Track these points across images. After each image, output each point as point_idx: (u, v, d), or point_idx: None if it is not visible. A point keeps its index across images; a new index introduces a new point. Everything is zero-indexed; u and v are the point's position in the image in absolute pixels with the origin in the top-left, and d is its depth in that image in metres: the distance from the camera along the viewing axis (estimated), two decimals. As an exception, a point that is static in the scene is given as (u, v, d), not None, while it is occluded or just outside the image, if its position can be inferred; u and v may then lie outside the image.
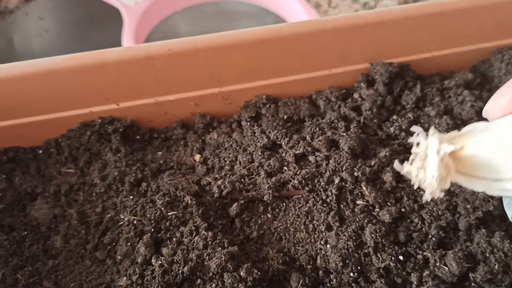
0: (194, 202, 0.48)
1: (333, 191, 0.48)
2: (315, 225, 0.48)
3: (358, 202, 0.48)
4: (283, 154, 0.53)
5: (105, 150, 0.54)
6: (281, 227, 0.48)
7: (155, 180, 0.51)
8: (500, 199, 0.46)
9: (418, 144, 0.34)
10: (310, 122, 0.55)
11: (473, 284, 0.44)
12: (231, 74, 0.54)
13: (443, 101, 0.57)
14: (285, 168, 0.51)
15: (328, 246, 0.46)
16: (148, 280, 0.43)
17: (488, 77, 0.61)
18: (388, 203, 0.48)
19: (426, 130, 0.34)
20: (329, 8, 1.15)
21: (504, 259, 0.43)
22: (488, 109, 0.33)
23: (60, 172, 0.53)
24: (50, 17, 1.03)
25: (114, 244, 0.47)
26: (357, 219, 0.47)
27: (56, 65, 0.49)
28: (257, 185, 0.50)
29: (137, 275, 0.43)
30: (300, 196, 0.49)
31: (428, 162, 0.33)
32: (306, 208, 0.49)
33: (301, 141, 0.53)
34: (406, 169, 0.34)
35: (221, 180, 0.50)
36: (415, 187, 0.34)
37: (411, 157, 0.35)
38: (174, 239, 0.46)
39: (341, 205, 0.48)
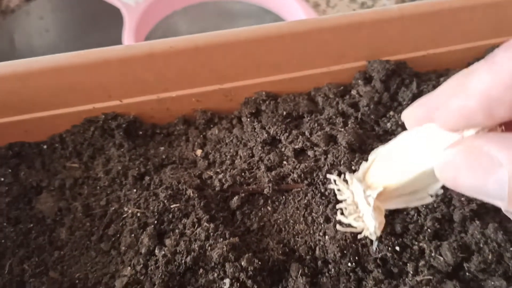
0: (196, 195, 0.49)
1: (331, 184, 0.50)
2: (314, 217, 0.49)
3: (356, 195, 0.50)
4: (283, 149, 0.54)
5: (109, 145, 0.55)
6: (280, 219, 0.50)
7: (158, 174, 0.52)
8: None
9: (339, 191, 0.36)
10: (309, 118, 0.57)
11: (467, 273, 0.45)
12: (231, 71, 0.56)
13: (439, 97, 0.58)
14: (284, 162, 0.53)
15: (326, 237, 0.47)
16: (151, 269, 0.44)
17: (483, 75, 0.62)
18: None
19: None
20: (327, 7, 1.16)
21: (498, 249, 0.45)
22: (404, 117, 0.33)
23: (65, 166, 0.54)
24: (51, 16, 1.04)
25: (118, 235, 0.48)
26: (355, 212, 0.48)
27: (60, 62, 0.50)
28: (257, 179, 0.51)
29: (141, 265, 0.44)
30: (299, 189, 0.51)
31: (361, 211, 0.35)
32: (305, 201, 0.50)
33: (300, 136, 0.54)
34: (344, 220, 0.36)
35: (222, 174, 0.52)
36: (361, 236, 0.36)
37: (340, 206, 0.36)
38: (177, 230, 0.47)
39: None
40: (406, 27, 0.57)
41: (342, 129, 0.54)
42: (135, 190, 0.50)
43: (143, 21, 0.94)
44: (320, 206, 0.49)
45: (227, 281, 0.44)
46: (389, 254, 0.46)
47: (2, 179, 0.53)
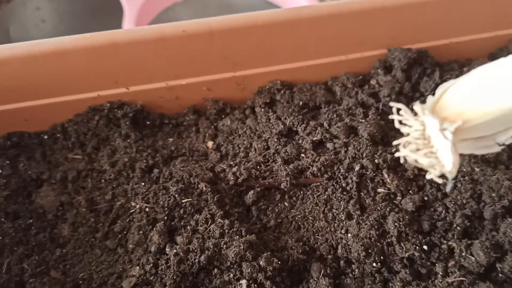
0: (209, 189, 0.46)
1: (354, 178, 0.47)
2: (335, 214, 0.46)
3: (379, 190, 0.47)
4: (300, 141, 0.51)
5: (114, 136, 0.52)
6: (299, 216, 0.46)
7: (167, 167, 0.49)
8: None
9: (404, 123, 0.31)
10: (326, 108, 0.54)
11: (500, 274, 0.42)
12: (245, 58, 0.52)
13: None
14: (302, 155, 0.49)
15: (349, 235, 0.44)
16: (162, 269, 0.41)
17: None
18: (410, 191, 0.46)
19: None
20: (332, 1, 1.14)
21: (533, 249, 0.42)
22: None
23: (67, 158, 0.51)
24: (48, 7, 1.01)
25: (125, 232, 0.45)
26: (379, 208, 0.45)
27: (65, 46, 0.47)
28: (273, 172, 0.48)
29: (151, 265, 0.41)
30: (318, 184, 0.47)
31: (435, 146, 0.30)
32: (325, 196, 0.47)
33: (319, 128, 0.51)
34: (411, 155, 0.31)
35: (236, 167, 0.48)
36: (433, 176, 0.31)
37: (405, 140, 0.31)
38: (189, 227, 0.44)
39: (362, 193, 0.47)
40: (430, 13, 0.54)
41: (363, 120, 0.51)
42: (143, 184, 0.47)
43: (144, 13, 0.90)
44: (341, 202, 0.46)
45: (243, 282, 0.40)
46: (416, 254, 0.42)
47: (0, 171, 0.49)
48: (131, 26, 0.84)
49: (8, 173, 0.49)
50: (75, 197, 0.48)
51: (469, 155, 0.49)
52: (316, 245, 0.44)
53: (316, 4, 0.51)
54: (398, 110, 0.31)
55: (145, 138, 0.52)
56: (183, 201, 0.45)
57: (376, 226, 0.44)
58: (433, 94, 0.31)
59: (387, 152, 0.48)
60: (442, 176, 0.30)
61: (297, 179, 0.47)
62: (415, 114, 0.31)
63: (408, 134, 0.31)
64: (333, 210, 0.46)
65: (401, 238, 0.43)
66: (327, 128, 0.51)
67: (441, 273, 0.42)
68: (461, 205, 0.45)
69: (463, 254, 0.42)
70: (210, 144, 0.52)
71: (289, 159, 0.49)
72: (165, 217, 0.44)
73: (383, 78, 0.55)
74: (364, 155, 0.48)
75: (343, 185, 0.47)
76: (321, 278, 0.42)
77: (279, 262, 0.41)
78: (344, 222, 0.45)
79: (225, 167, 0.49)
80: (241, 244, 0.41)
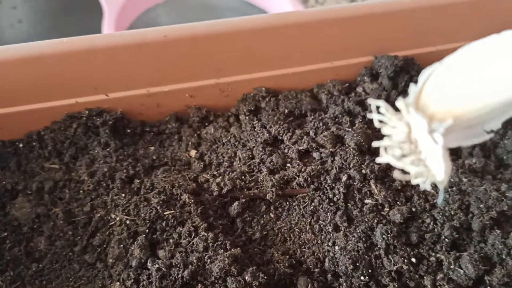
0: (192, 200, 0.44)
1: (341, 189, 0.46)
2: (322, 226, 0.45)
3: (367, 201, 0.46)
4: (286, 150, 0.50)
5: (93, 144, 0.50)
6: (285, 228, 0.45)
7: (149, 177, 0.47)
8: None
9: (382, 123, 0.27)
10: (312, 116, 0.53)
11: (488, 287, 0.41)
12: (230, 64, 0.51)
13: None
14: (288, 164, 0.48)
15: (336, 247, 0.43)
16: (144, 285, 0.39)
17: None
18: (398, 202, 0.46)
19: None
20: (316, 3, 1.13)
21: (521, 261, 0.41)
22: None
23: (43, 167, 0.49)
24: (24, 6, 0.99)
25: (104, 246, 0.43)
26: (366, 219, 0.44)
27: (41, 50, 0.45)
28: (259, 183, 0.47)
29: (132, 280, 0.40)
30: (304, 194, 0.46)
31: (423, 151, 0.26)
32: (312, 208, 0.46)
33: (305, 137, 0.50)
34: (395, 163, 0.27)
35: (220, 177, 0.47)
36: (423, 186, 0.27)
37: (387, 143, 0.27)
38: (171, 240, 0.42)
39: (349, 204, 0.46)
40: (417, 20, 0.53)
41: (350, 129, 0.50)
42: (123, 195, 0.45)
43: (124, 13, 0.88)
44: (328, 213, 0.45)
45: (229, 297, 0.39)
46: (405, 267, 0.42)
47: (-28, 181, 0.47)
48: (111, 27, 0.81)
49: (-19, 184, 0.47)
50: (51, 208, 0.46)
51: (456, 166, 0.49)
52: (302, 258, 0.43)
53: (302, 10, 0.50)
54: (378, 108, 0.27)
55: (125, 146, 0.50)
56: (165, 213, 0.43)
57: (363, 239, 0.43)
58: (416, 82, 0.27)
59: (375, 162, 0.47)
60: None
61: (283, 189, 0.46)
62: (398, 111, 0.27)
63: (390, 136, 0.27)
64: (320, 221, 0.45)
65: (389, 250, 0.42)
66: (313, 137, 0.50)
67: (429, 286, 0.41)
68: (449, 216, 0.45)
69: (452, 266, 0.42)
70: (193, 153, 0.51)
71: (275, 169, 0.48)
72: (147, 230, 0.42)
73: (369, 85, 0.54)
74: (351, 165, 0.47)
75: (330, 196, 0.46)
76: (308, 292, 0.41)
77: (265, 277, 0.40)
78: (331, 234, 0.44)
79: (208, 177, 0.47)
80: (226, 259, 0.40)
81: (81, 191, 0.47)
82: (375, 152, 0.49)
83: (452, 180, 0.47)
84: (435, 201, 0.45)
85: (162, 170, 0.48)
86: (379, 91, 0.53)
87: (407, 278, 0.42)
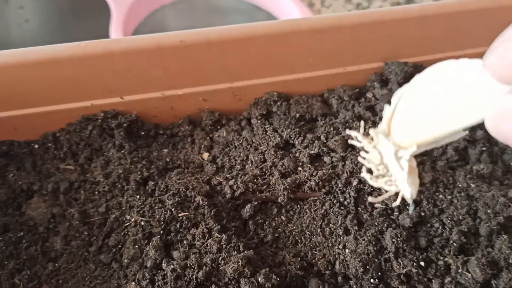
0: (206, 203, 0.45)
1: (351, 193, 0.46)
2: (332, 229, 0.46)
3: (377, 205, 0.46)
4: (297, 154, 0.50)
5: (108, 146, 0.50)
6: (296, 230, 0.46)
7: (163, 179, 0.48)
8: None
9: (364, 150, 0.31)
10: (323, 121, 0.53)
11: (496, 291, 0.42)
12: (243, 68, 0.52)
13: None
14: (299, 168, 0.49)
15: (347, 250, 0.44)
16: (159, 285, 0.40)
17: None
18: (407, 207, 0.46)
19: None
20: (322, 7, 1.14)
21: (528, 266, 0.42)
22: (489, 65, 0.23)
23: (59, 168, 0.49)
24: (31, 6, 0.99)
25: (120, 246, 0.44)
26: (376, 223, 0.45)
27: (58, 54, 0.46)
28: (270, 186, 0.48)
29: (147, 280, 0.40)
30: (316, 198, 0.47)
31: (393, 174, 0.30)
32: (322, 211, 0.46)
33: (316, 141, 0.51)
34: (374, 184, 0.31)
35: (233, 180, 0.48)
36: (395, 204, 0.32)
37: (367, 166, 0.32)
38: (185, 241, 0.43)
39: (359, 208, 0.46)
40: (426, 27, 0.54)
41: (360, 134, 0.51)
42: (138, 196, 0.46)
43: (132, 14, 0.89)
44: (339, 217, 0.46)
45: (241, 298, 0.40)
46: (413, 270, 0.42)
47: (-12, 181, 0.48)
48: (119, 28, 0.82)
49: (-3, 184, 0.48)
50: (67, 209, 0.46)
51: (464, 171, 0.50)
52: (313, 260, 0.44)
53: (315, 17, 0.50)
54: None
55: (139, 149, 0.51)
56: (179, 215, 0.44)
57: (373, 242, 0.44)
58: (390, 103, 0.30)
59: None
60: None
61: (294, 193, 0.47)
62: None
63: (368, 160, 0.31)
64: (331, 225, 0.46)
65: (398, 254, 0.43)
66: (324, 141, 0.51)
67: (438, 290, 0.42)
68: (458, 221, 0.45)
69: (460, 270, 0.43)
70: (205, 155, 0.51)
71: (286, 173, 0.49)
72: (161, 231, 0.43)
73: (379, 91, 0.55)
74: (362, 169, 0.48)
75: (341, 199, 0.47)
76: (319, 294, 0.41)
77: (278, 279, 0.40)
78: (341, 237, 0.45)
79: (221, 180, 0.48)
80: (239, 260, 0.40)
81: (96, 192, 0.47)
82: (385, 157, 0.50)
83: (460, 185, 0.48)
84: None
85: (175, 172, 0.49)
86: (389, 96, 0.54)
87: (415, 281, 0.43)
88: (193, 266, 0.40)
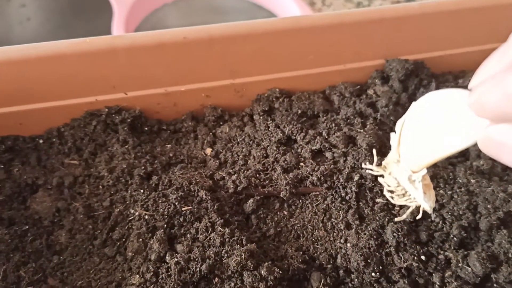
0: (209, 197, 0.45)
1: (353, 188, 0.47)
2: (334, 223, 0.46)
3: (378, 200, 0.47)
4: (299, 150, 0.51)
5: (112, 141, 0.51)
6: (298, 225, 0.47)
7: (166, 174, 0.49)
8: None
9: (382, 176, 0.37)
10: (325, 117, 0.54)
11: (495, 285, 0.43)
12: (245, 65, 0.52)
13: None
14: (301, 164, 0.50)
15: (348, 245, 0.44)
16: (163, 278, 0.40)
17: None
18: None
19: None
20: (323, 6, 1.14)
21: (527, 260, 0.43)
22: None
23: (63, 163, 0.50)
24: (33, 4, 1.00)
25: (124, 240, 0.44)
26: (377, 218, 0.46)
27: (63, 50, 0.46)
28: (273, 181, 0.48)
29: (151, 273, 0.41)
30: (317, 193, 0.48)
31: (411, 194, 0.35)
32: (324, 206, 0.47)
33: (318, 137, 0.51)
34: (397, 202, 0.37)
35: (235, 175, 0.48)
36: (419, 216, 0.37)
37: (388, 189, 0.37)
38: (189, 235, 0.44)
39: (360, 203, 0.47)
40: (426, 25, 0.55)
41: (361, 130, 0.51)
42: (142, 191, 0.47)
43: (133, 13, 0.89)
44: (340, 212, 0.46)
45: (244, 291, 0.40)
46: (414, 264, 0.43)
47: (-6, 175, 0.48)
48: (121, 26, 0.83)
49: (2, 178, 0.48)
50: (71, 203, 0.47)
51: (464, 167, 0.50)
52: (315, 254, 0.45)
53: (316, 14, 0.51)
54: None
55: (143, 144, 0.52)
56: (183, 209, 0.44)
57: (375, 236, 0.44)
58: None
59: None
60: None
61: (296, 188, 0.48)
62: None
63: (388, 185, 0.37)
64: (332, 219, 0.46)
65: (399, 248, 0.44)
66: (326, 137, 0.51)
67: (438, 283, 0.43)
68: (458, 216, 0.46)
69: (460, 264, 0.43)
70: (208, 151, 0.52)
71: (289, 168, 0.49)
72: (165, 225, 0.44)
73: (380, 88, 0.55)
74: (363, 165, 0.48)
75: (342, 194, 0.47)
76: (321, 287, 0.42)
77: (280, 272, 0.41)
78: (343, 232, 0.45)
79: (224, 175, 0.49)
80: (243, 253, 0.41)
81: (100, 187, 0.48)
82: (386, 153, 0.51)
83: (460, 181, 0.49)
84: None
85: (179, 167, 0.49)
86: (390, 93, 0.55)
87: (416, 275, 0.43)
88: (196, 259, 0.41)
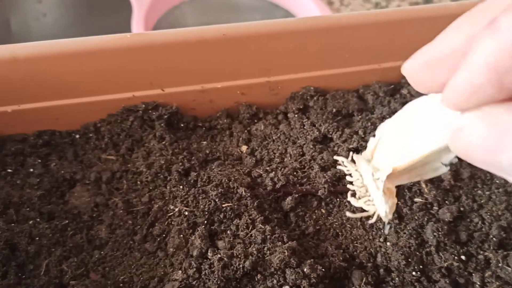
0: (248, 194, 0.45)
1: (392, 187, 0.47)
2: (372, 222, 0.46)
3: (416, 199, 0.47)
4: (335, 148, 0.51)
5: (148, 137, 0.51)
6: (336, 223, 0.47)
7: (204, 170, 0.49)
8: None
9: (350, 174, 0.35)
10: (359, 116, 0.54)
11: (535, 286, 0.43)
12: (281, 63, 0.52)
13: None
14: (338, 162, 0.50)
15: (388, 243, 0.44)
16: (206, 274, 0.40)
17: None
18: (446, 202, 0.47)
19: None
20: (341, 6, 1.14)
21: None
22: (404, 70, 0.28)
23: (100, 158, 0.50)
24: (49, 0, 1.00)
25: (164, 235, 0.44)
26: (416, 217, 0.46)
27: (106, 45, 0.46)
28: (310, 179, 0.48)
29: (194, 269, 0.41)
30: (355, 191, 0.48)
31: (371, 195, 0.33)
32: (362, 204, 0.47)
33: (354, 135, 0.51)
34: (355, 204, 0.34)
35: (273, 172, 0.48)
36: (372, 221, 0.34)
37: (351, 189, 0.35)
38: (229, 232, 0.44)
39: (399, 202, 0.47)
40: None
41: (398, 130, 0.51)
42: (181, 187, 0.47)
43: (152, 11, 0.90)
44: (379, 210, 0.46)
45: (286, 288, 0.40)
46: (455, 264, 0.43)
47: (32, 169, 0.48)
48: (141, 23, 0.83)
49: (40, 172, 0.48)
50: (110, 198, 0.47)
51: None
52: (355, 252, 0.45)
53: (355, 13, 0.51)
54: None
55: (179, 140, 0.52)
56: (223, 205, 0.44)
57: (414, 236, 0.44)
58: (374, 136, 0.33)
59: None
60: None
61: (335, 186, 0.48)
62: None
63: (352, 183, 0.35)
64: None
65: (439, 248, 0.44)
66: (363, 136, 0.51)
67: (478, 283, 0.43)
68: (497, 216, 0.46)
69: (500, 264, 0.43)
70: (244, 148, 0.52)
71: (326, 166, 0.49)
72: (205, 221, 0.44)
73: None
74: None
75: (381, 193, 0.47)
76: (362, 286, 0.42)
77: (323, 269, 0.41)
78: (382, 231, 0.45)
79: (261, 172, 0.49)
80: (285, 251, 0.41)
81: (138, 182, 0.48)
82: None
83: (498, 181, 0.49)
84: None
85: (216, 164, 0.49)
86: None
87: (456, 275, 0.43)
88: (239, 256, 0.41)
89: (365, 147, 0.49)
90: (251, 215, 0.44)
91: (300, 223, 0.46)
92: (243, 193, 0.45)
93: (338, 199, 0.48)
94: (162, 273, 0.42)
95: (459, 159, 0.25)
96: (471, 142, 0.22)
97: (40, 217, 0.45)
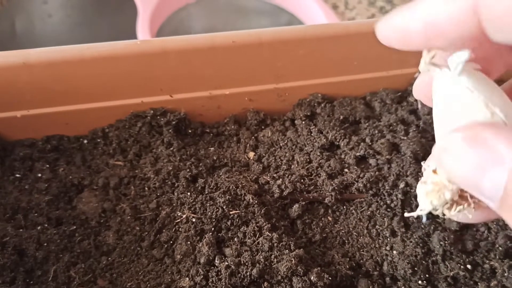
0: (256, 201, 0.46)
1: (399, 195, 0.47)
2: (379, 230, 0.46)
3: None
4: (342, 156, 0.51)
5: (156, 143, 0.51)
6: (343, 231, 0.47)
7: (212, 177, 0.49)
8: None
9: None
10: (367, 124, 0.54)
11: (541, 296, 0.43)
12: (289, 70, 0.52)
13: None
14: (345, 170, 0.50)
15: (394, 252, 0.45)
16: (213, 281, 0.41)
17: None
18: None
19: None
20: (346, 10, 1.14)
21: None
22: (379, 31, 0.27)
23: (108, 164, 0.50)
24: (55, 1, 1.00)
25: (171, 242, 0.44)
26: (423, 226, 0.46)
27: (116, 51, 0.46)
28: (317, 187, 0.48)
29: (201, 276, 0.41)
30: (362, 199, 0.48)
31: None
32: (369, 213, 0.47)
33: (361, 143, 0.51)
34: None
35: (280, 179, 0.48)
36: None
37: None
38: (236, 239, 0.44)
39: (405, 211, 0.47)
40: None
41: (405, 138, 0.51)
42: (188, 194, 0.47)
43: (157, 13, 0.90)
44: (385, 219, 0.47)
45: (293, 296, 0.41)
46: (461, 273, 0.43)
47: (40, 174, 0.49)
48: (146, 25, 0.83)
49: (49, 177, 0.48)
50: (118, 204, 0.47)
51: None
52: (361, 261, 0.45)
53: (363, 20, 0.51)
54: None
55: (187, 146, 0.52)
56: (231, 212, 0.45)
57: (421, 244, 0.44)
58: None
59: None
60: None
61: (342, 194, 0.48)
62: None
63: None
64: (377, 226, 0.46)
65: (445, 257, 0.44)
66: (370, 143, 0.52)
67: (484, 293, 0.43)
68: (503, 226, 0.46)
69: (505, 274, 0.43)
70: (251, 154, 0.52)
71: (333, 174, 0.50)
72: (213, 228, 0.44)
73: (421, 95, 0.55)
74: (408, 172, 0.48)
75: (388, 202, 0.47)
76: (369, 294, 0.42)
77: (330, 278, 0.41)
78: (388, 239, 0.46)
79: (268, 179, 0.49)
80: (292, 259, 0.41)
81: (146, 188, 0.48)
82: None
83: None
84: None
85: (224, 170, 0.50)
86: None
87: (462, 284, 0.43)
88: (246, 264, 0.41)
89: (372, 155, 0.50)
90: (258, 223, 0.44)
91: (307, 231, 0.47)
92: (251, 200, 0.46)
93: (344, 207, 0.48)
94: (169, 280, 0.42)
95: None
96: (452, 163, 0.22)
97: (48, 223, 0.45)
